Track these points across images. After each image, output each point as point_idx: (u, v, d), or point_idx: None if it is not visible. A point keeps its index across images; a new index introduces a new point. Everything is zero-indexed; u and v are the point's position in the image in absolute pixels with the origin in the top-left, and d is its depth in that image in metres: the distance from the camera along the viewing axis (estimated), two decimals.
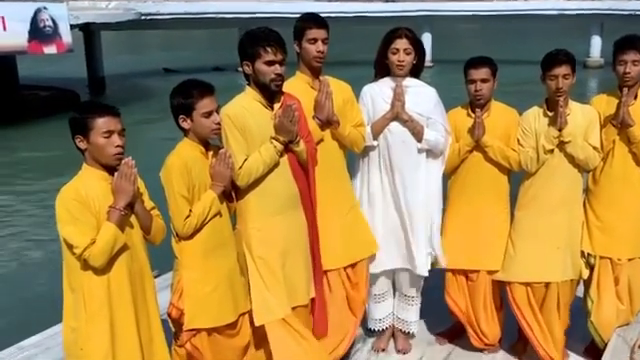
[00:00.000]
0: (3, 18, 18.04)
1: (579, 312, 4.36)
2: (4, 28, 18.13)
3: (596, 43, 29.95)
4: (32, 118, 19.02)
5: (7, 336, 4.94)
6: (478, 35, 41.55)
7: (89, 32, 28.44)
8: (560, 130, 3.98)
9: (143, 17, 27.18)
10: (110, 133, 2.99)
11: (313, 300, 3.90)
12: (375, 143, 4.19)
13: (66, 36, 19.80)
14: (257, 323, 3.62)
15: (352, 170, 4.31)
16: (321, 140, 3.94)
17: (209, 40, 48.57)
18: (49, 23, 19.32)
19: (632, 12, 29.74)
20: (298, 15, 3.99)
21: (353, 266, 4.17)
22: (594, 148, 4.05)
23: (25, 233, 10.75)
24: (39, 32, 19.03)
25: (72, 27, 20.76)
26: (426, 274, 4.27)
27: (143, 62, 35.77)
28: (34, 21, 18.85)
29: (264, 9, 30.16)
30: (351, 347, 4.38)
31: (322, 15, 4.01)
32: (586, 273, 4.23)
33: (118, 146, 3.00)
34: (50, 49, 19.55)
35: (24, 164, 15.34)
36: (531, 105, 4.23)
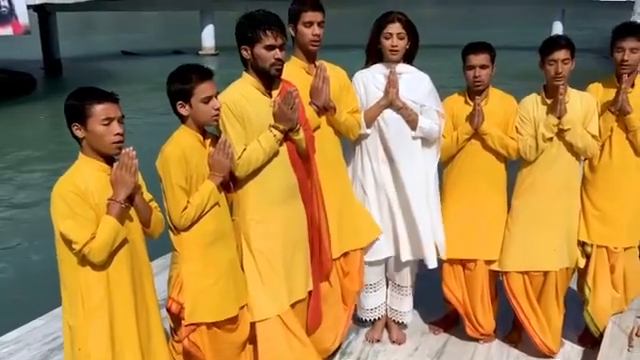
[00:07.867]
0: None
1: (572, 301, 4.35)
2: None
3: (557, 28, 30.19)
4: None
5: None
6: (441, 20, 41.70)
7: (44, 13, 27.65)
8: (559, 118, 3.93)
9: None
10: (109, 120, 2.83)
11: (309, 292, 3.79)
12: (368, 131, 4.08)
13: (23, 17, 19.17)
14: (250, 319, 3.50)
15: (345, 158, 4.20)
16: (317, 127, 3.82)
17: (162, 22, 47.71)
18: (4, 3, 18.64)
19: None
20: None
21: (345, 255, 4.06)
22: (593, 136, 4.00)
23: None
24: None
25: (27, 8, 20.13)
26: (435, 265, 4.19)
27: (99, 44, 34.92)
28: None
29: None
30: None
31: None
32: (582, 262, 4.21)
33: (118, 134, 2.85)
34: (6, 30, 18.87)
35: None
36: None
